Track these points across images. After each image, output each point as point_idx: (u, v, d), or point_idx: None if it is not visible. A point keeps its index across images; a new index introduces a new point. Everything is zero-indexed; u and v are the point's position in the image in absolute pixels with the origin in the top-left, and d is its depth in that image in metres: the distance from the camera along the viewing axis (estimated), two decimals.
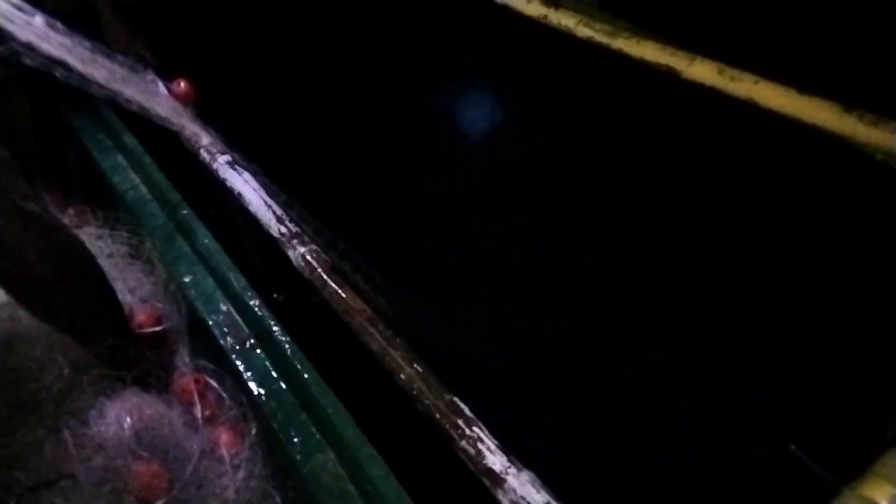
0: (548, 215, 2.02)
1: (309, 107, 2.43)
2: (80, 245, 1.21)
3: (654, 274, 1.77)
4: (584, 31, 2.09)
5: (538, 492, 0.91)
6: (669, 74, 1.85)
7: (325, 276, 1.22)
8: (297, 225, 1.32)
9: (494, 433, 0.98)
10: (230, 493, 1.22)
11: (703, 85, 1.79)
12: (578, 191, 2.05)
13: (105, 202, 1.74)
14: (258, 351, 1.32)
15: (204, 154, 1.51)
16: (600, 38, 2.04)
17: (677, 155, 1.91)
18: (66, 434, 1.14)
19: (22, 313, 1.31)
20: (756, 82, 1.69)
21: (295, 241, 1.28)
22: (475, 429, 0.98)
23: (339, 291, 1.19)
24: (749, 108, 1.71)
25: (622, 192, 1.96)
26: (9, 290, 1.07)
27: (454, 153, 2.39)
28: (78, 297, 1.14)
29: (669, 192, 1.88)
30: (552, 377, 1.50)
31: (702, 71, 1.79)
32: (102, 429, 1.18)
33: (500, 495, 0.93)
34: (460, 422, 0.99)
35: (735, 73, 1.72)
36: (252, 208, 1.37)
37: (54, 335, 1.30)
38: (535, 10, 2.24)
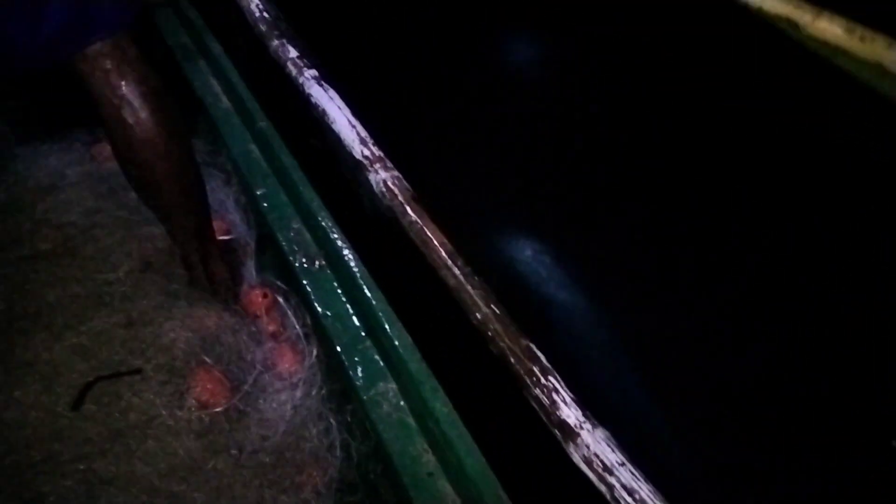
0: (650, 167, 1.91)
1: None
2: (182, 118, 1.20)
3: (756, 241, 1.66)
4: None
5: (613, 451, 0.86)
6: (789, 27, 1.69)
7: (405, 205, 1.17)
8: (380, 148, 1.26)
9: (570, 386, 0.92)
10: (287, 410, 1.21)
11: (826, 43, 1.63)
12: (682, 148, 1.93)
13: (184, 107, 1.72)
14: (328, 272, 1.30)
15: (290, 67, 1.46)
16: None
17: (789, 117, 1.76)
18: (136, 329, 1.14)
19: (101, 206, 1.32)
20: (889, 45, 1.52)
21: (377, 166, 1.23)
22: (551, 378, 0.93)
23: (419, 221, 1.14)
24: (875, 83, 1.55)
25: (724, 154, 1.83)
26: (120, 147, 1.07)
27: (535, 94, 2.28)
28: (177, 166, 1.12)
29: (779, 160, 1.75)
30: (637, 334, 1.43)
31: (827, 27, 1.63)
32: (170, 329, 1.18)
33: (571, 449, 0.88)
34: (535, 369, 0.94)
35: (867, 33, 1.56)
36: (336, 127, 1.32)
37: (133, 229, 1.30)
38: None
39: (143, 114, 1.04)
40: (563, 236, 1.72)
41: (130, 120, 1.03)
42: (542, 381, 0.93)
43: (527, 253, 1.63)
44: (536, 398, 0.92)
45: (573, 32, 2.36)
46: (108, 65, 1.01)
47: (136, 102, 1.03)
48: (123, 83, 1.02)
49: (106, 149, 1.43)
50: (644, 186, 1.86)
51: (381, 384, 1.12)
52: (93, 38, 1.01)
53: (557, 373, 0.94)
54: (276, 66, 1.51)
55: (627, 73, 2.19)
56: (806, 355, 1.45)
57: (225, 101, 1.65)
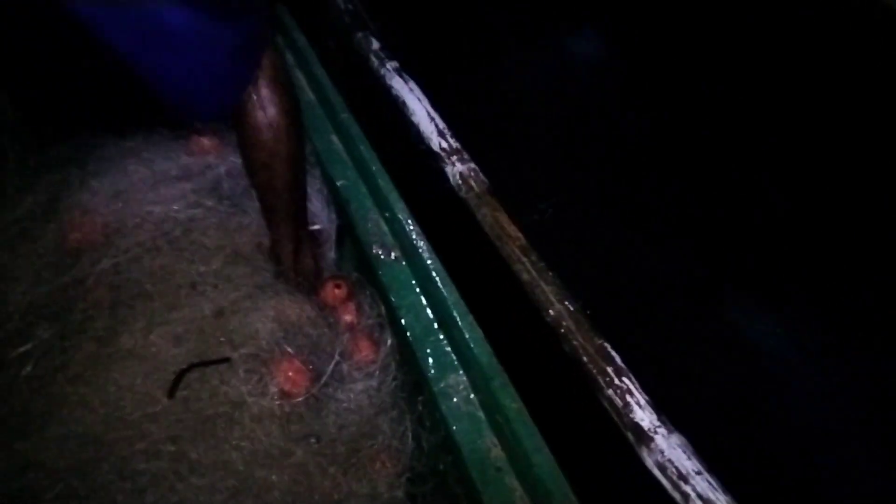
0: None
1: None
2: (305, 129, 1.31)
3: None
4: None
5: (689, 458, 0.82)
6: None
7: (480, 197, 1.16)
8: (458, 141, 1.26)
9: (646, 388, 0.89)
10: (363, 399, 1.25)
11: None
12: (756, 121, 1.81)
13: None
14: (403, 263, 1.31)
15: (373, 58, 1.47)
16: None
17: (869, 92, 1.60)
18: (225, 318, 1.20)
19: (199, 199, 1.39)
20: None
21: (454, 158, 1.23)
22: (625, 379, 0.90)
23: (494, 214, 1.13)
24: None
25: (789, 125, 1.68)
26: (256, 152, 1.18)
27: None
28: (297, 173, 1.25)
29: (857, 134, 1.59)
30: (723, 335, 1.36)
31: None
32: (256, 319, 1.24)
33: (644, 454, 0.86)
34: (609, 369, 0.91)
35: None
36: (415, 119, 1.33)
37: (226, 223, 1.37)
38: None
39: (279, 116, 1.14)
40: (644, 228, 1.65)
41: (267, 120, 1.14)
42: (616, 381, 0.90)
43: (606, 246, 1.58)
44: (609, 399, 0.90)
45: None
46: (265, 81, 1.12)
47: (275, 107, 1.14)
48: (275, 98, 1.13)
49: (202, 143, 1.51)
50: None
51: (452, 376, 1.13)
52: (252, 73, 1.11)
53: (632, 374, 0.91)
54: (359, 58, 1.53)
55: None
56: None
57: (309, 93, 1.69)
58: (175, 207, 1.27)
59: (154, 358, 1.10)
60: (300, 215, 1.31)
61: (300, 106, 1.20)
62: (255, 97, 1.13)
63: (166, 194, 1.29)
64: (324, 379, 1.20)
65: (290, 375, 1.20)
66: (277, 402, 1.12)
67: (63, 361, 1.09)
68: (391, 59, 1.46)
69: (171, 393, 1.04)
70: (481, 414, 1.09)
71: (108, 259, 1.18)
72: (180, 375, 1.06)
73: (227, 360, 1.13)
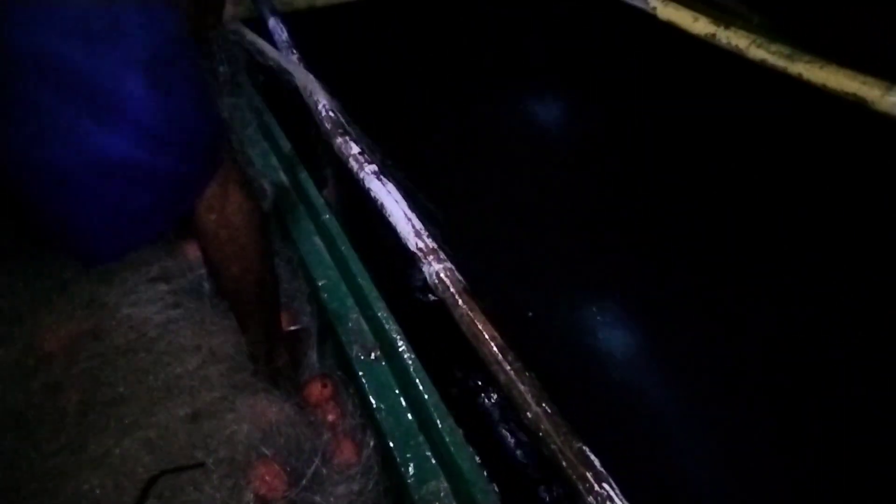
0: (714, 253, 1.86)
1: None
2: (270, 228, 1.28)
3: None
4: (757, 53, 1.92)
5: None
6: (857, 104, 1.63)
7: (457, 296, 1.18)
8: (434, 240, 1.29)
9: (626, 493, 0.88)
10: None
11: None
12: (746, 222, 1.88)
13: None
14: (383, 363, 1.31)
15: (352, 163, 1.53)
16: (775, 60, 1.86)
17: (861, 190, 1.69)
18: (200, 422, 1.18)
19: (178, 300, 1.40)
20: None
21: (431, 258, 1.26)
22: (605, 486, 0.89)
23: (470, 314, 1.14)
24: None
25: (788, 227, 1.76)
26: (215, 255, 1.13)
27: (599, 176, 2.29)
28: (262, 275, 1.19)
29: (856, 236, 1.66)
30: (692, 439, 1.35)
31: None
32: (232, 421, 1.22)
33: None
34: (589, 475, 0.90)
35: None
36: (392, 220, 1.37)
37: (203, 323, 1.37)
38: (702, 28, 2.09)
39: (242, 233, 1.11)
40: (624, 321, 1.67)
41: (227, 238, 1.10)
42: (596, 488, 0.89)
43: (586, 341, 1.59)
44: None
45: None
46: (216, 187, 1.07)
47: (237, 223, 1.10)
48: (228, 202, 1.09)
49: (182, 245, 1.53)
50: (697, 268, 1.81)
51: (434, 482, 1.11)
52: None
53: (613, 479, 0.90)
54: (340, 162, 1.59)
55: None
56: None
57: (294, 197, 1.74)
58: (153, 309, 1.27)
59: (125, 465, 1.07)
60: (272, 317, 1.29)
61: (260, 214, 1.15)
62: (208, 209, 1.08)
63: (144, 296, 1.29)
64: (303, 482, 1.17)
65: (266, 480, 1.17)
66: None
67: (30, 472, 1.05)
68: (370, 162, 1.52)
69: (139, 501, 1.00)
70: None
71: (82, 363, 1.17)
72: (150, 484, 1.03)
73: (200, 465, 1.10)
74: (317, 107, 1.70)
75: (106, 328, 1.24)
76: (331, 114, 1.67)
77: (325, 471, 1.24)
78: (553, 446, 0.94)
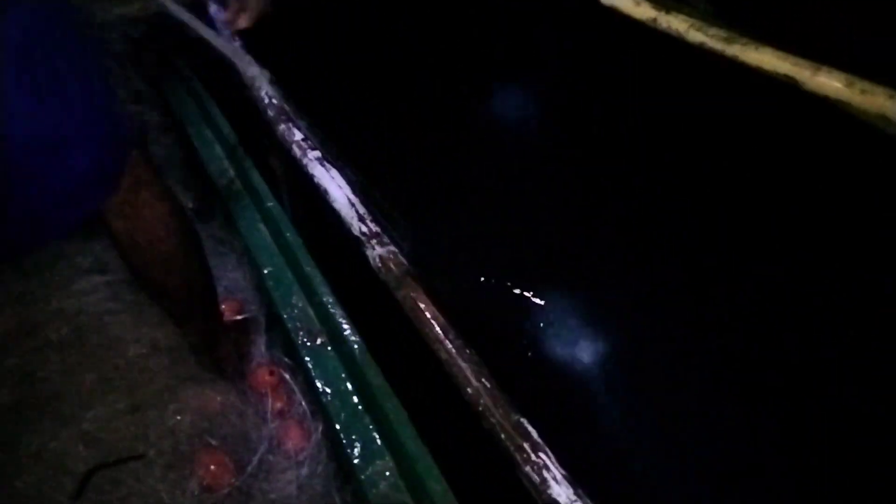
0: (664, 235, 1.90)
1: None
2: (194, 227, 1.22)
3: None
4: (695, 36, 1.96)
5: None
6: (789, 84, 1.69)
7: (399, 279, 1.18)
8: (377, 224, 1.29)
9: (563, 462, 0.90)
10: (293, 490, 1.21)
11: (826, 98, 1.62)
12: (685, 204, 1.92)
13: (202, 191, 1.80)
14: (329, 349, 1.31)
15: (295, 149, 1.52)
16: (713, 43, 1.90)
17: (793, 168, 1.74)
18: (141, 414, 1.17)
19: (115, 292, 1.37)
20: (891, 97, 1.51)
21: (374, 241, 1.26)
22: (541, 455, 0.91)
23: (413, 295, 1.15)
24: (880, 127, 1.53)
25: (727, 207, 1.81)
26: (132, 260, 1.07)
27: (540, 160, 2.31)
28: (189, 276, 1.14)
29: (788, 211, 1.72)
30: (641, 406, 1.38)
31: (827, 82, 1.62)
32: (175, 411, 1.20)
33: None
34: (526, 445, 0.92)
35: (867, 85, 1.55)
36: (336, 205, 1.36)
37: (142, 315, 1.34)
38: (643, 13, 2.12)
39: (160, 236, 1.03)
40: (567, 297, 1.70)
41: (147, 243, 1.03)
42: (533, 457, 0.91)
43: (524, 318, 1.62)
44: (527, 475, 0.90)
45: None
46: (124, 192, 0.98)
47: (153, 227, 1.03)
48: (140, 207, 1.01)
49: None
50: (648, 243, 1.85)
51: (380, 462, 1.11)
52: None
53: (550, 449, 0.92)
54: (283, 149, 1.57)
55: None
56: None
57: (237, 185, 1.72)
58: (87, 301, 1.25)
59: (62, 460, 1.05)
60: (208, 312, 1.24)
61: (178, 214, 1.08)
62: (117, 215, 1.00)
63: (78, 288, 1.26)
64: (249, 469, 1.17)
65: (211, 469, 1.16)
66: (198, 498, 1.08)
67: None
68: (313, 148, 1.51)
69: (76, 495, 0.98)
70: (409, 500, 1.07)
71: (13, 359, 1.14)
72: (86, 477, 1.01)
73: (140, 456, 1.09)
74: (259, 93, 1.68)
75: (38, 322, 1.21)
76: (273, 100, 1.65)
77: (272, 458, 1.24)
78: (492, 419, 0.95)
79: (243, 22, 1.82)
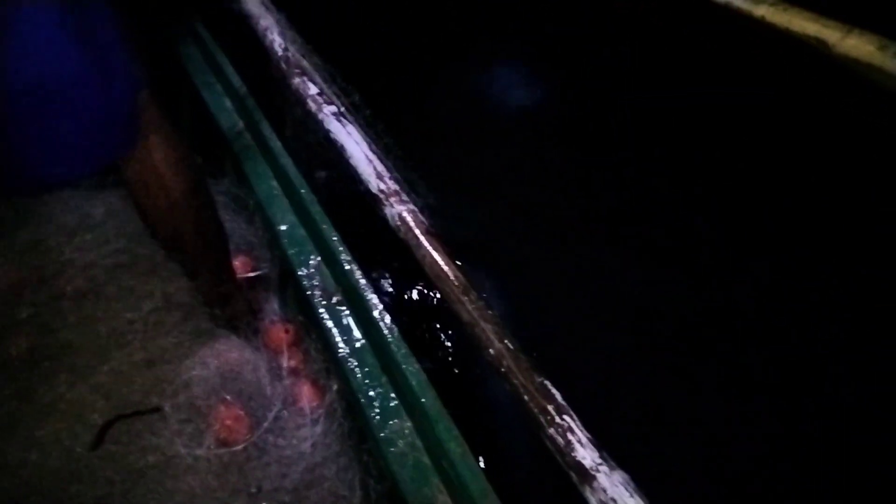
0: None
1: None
2: (204, 176, 1.23)
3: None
4: None
5: (631, 495, 0.82)
6: (818, 47, 1.64)
7: (420, 238, 1.16)
8: (396, 182, 1.26)
9: (588, 426, 0.89)
10: (307, 447, 1.21)
11: (857, 61, 1.57)
12: (707, 176, 1.89)
13: (212, 146, 1.77)
14: (344, 307, 1.30)
15: (311, 104, 1.48)
16: (740, 3, 1.84)
17: (818, 130, 1.71)
18: (156, 367, 1.16)
19: (128, 244, 1.34)
20: None
21: (393, 200, 1.23)
22: (566, 417, 0.89)
23: (434, 254, 1.12)
24: None
25: (747, 177, 1.78)
26: (145, 205, 1.09)
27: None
28: (200, 225, 1.15)
29: (811, 180, 1.69)
30: (659, 376, 1.38)
31: (858, 44, 1.57)
32: (191, 366, 1.19)
33: (587, 493, 0.85)
34: (550, 407, 0.91)
35: None
36: (353, 162, 1.32)
37: (156, 269, 1.32)
38: None
39: (172, 183, 1.06)
40: (590, 269, 1.68)
41: (158, 188, 1.05)
42: (557, 419, 0.90)
43: (545, 285, 1.60)
44: (551, 438, 0.89)
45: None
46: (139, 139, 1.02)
47: (165, 173, 1.05)
48: (151, 149, 1.03)
49: None
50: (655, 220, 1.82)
51: (397, 422, 1.11)
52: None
53: (574, 412, 0.91)
54: (298, 103, 1.53)
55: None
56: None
57: (248, 139, 1.68)
58: (100, 255, 1.22)
59: (79, 412, 1.04)
60: (221, 264, 1.25)
61: (191, 162, 1.11)
62: (131, 159, 1.03)
63: (91, 241, 1.24)
64: (265, 425, 1.16)
65: (227, 423, 1.15)
66: (214, 452, 1.08)
67: None
68: (329, 103, 1.46)
69: (94, 445, 0.98)
70: (426, 459, 1.07)
71: (27, 309, 1.12)
72: (105, 428, 1.01)
73: (157, 409, 1.08)
74: (272, 45, 1.62)
75: (51, 273, 1.19)
76: (288, 52, 1.60)
77: (287, 414, 1.24)
78: (515, 381, 0.94)
79: None
